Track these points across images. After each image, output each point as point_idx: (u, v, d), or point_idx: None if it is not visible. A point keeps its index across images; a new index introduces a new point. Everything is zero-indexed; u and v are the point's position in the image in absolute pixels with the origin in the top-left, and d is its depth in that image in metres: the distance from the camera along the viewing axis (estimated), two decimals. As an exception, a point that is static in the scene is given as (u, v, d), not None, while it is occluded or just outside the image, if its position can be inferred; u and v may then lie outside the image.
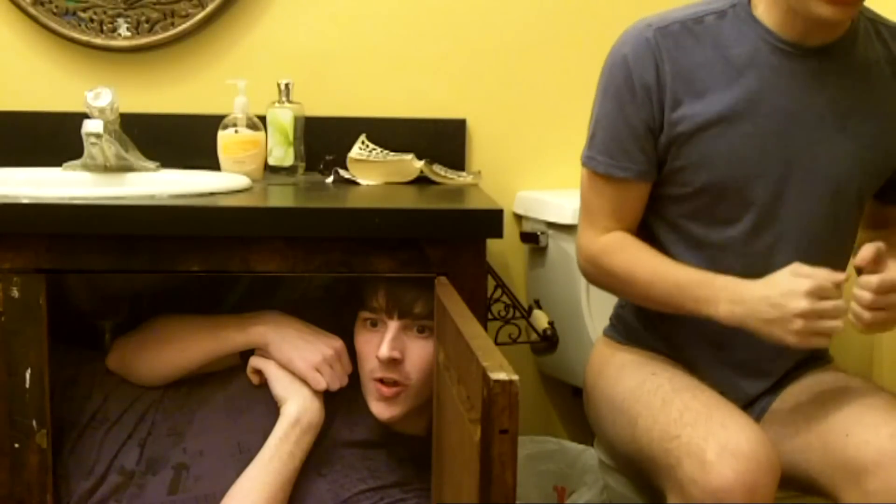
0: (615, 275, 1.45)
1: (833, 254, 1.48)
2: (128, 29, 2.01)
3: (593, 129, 1.46)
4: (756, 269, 1.43)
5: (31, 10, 1.98)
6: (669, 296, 1.38)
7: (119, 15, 2.01)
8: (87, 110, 1.77)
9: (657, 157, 1.43)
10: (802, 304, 1.23)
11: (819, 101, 1.38)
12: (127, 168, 1.83)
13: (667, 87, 1.39)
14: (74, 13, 2.00)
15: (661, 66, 1.39)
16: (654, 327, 1.54)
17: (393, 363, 1.56)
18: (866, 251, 1.26)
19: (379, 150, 1.94)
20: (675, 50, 1.40)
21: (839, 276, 1.25)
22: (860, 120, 1.32)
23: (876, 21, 1.45)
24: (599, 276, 1.48)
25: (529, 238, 2.00)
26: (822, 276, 1.25)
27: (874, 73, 1.42)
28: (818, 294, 1.23)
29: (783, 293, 1.25)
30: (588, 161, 1.46)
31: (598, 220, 1.47)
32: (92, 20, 2.00)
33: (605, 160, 1.44)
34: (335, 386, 1.60)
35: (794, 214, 1.41)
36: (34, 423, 1.50)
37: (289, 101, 1.92)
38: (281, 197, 1.71)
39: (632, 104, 1.41)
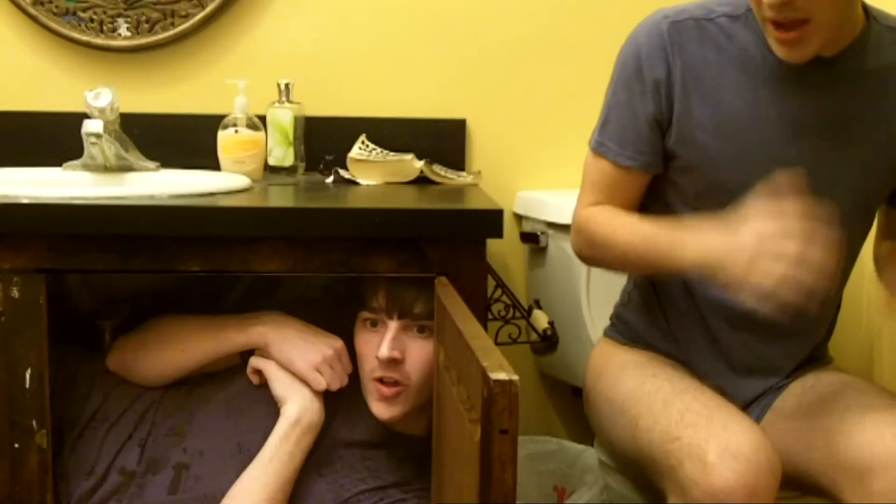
0: (596, 241, 1.44)
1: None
2: (128, 29, 2.01)
3: (606, 116, 1.46)
4: None
5: (31, 10, 1.98)
6: (642, 251, 1.36)
7: (119, 15, 2.01)
8: (87, 110, 1.77)
9: (664, 151, 1.43)
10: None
11: (826, 109, 1.37)
12: (127, 168, 1.83)
13: (676, 83, 1.39)
14: (74, 13, 2.00)
15: (673, 60, 1.39)
16: (655, 324, 1.54)
17: (393, 363, 1.56)
18: None
19: (379, 150, 1.94)
20: (686, 45, 1.39)
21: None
22: (868, 128, 1.31)
23: (893, 28, 1.43)
24: (586, 245, 1.47)
25: (529, 238, 2.00)
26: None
27: (885, 81, 1.41)
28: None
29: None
30: (598, 147, 1.46)
31: (591, 194, 1.47)
32: (92, 20, 2.00)
33: (614, 148, 1.44)
34: (335, 386, 1.60)
35: None
36: (34, 423, 1.50)
37: (289, 101, 1.92)
38: (281, 197, 1.71)
39: (641, 97, 1.41)
